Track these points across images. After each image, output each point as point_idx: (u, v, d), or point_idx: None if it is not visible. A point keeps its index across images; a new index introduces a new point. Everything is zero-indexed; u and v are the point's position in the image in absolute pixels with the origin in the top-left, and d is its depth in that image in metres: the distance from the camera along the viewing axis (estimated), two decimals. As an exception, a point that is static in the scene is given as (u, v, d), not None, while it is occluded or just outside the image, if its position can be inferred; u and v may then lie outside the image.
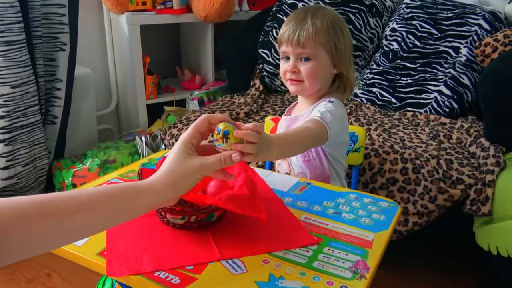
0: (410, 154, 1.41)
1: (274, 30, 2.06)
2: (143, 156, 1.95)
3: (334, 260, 0.73)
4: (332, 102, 1.03)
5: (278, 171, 1.16)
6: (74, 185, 1.88)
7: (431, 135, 1.58)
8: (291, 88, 1.06)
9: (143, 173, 0.84)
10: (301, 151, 1.00)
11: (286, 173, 1.13)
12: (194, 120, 1.70)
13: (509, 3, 1.92)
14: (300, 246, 0.76)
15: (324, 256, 0.74)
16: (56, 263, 1.56)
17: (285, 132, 1.06)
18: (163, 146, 1.91)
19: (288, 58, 1.04)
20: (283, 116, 1.15)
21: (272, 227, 0.81)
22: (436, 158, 1.41)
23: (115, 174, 1.05)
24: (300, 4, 2.08)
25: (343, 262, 0.72)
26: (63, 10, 1.81)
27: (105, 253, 0.73)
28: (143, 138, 1.98)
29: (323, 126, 0.94)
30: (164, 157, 0.92)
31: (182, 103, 2.32)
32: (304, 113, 1.08)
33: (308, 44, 1.00)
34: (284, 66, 1.06)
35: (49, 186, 1.93)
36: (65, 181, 1.88)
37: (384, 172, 1.40)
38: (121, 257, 0.72)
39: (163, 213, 0.79)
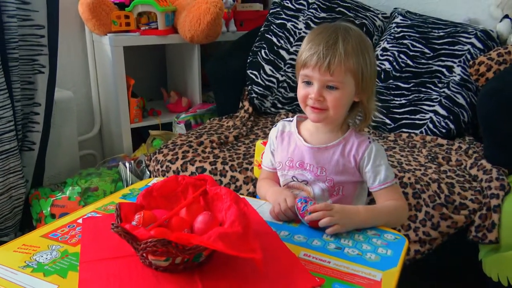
0: (409, 178, 1.33)
1: (262, 51, 2.00)
2: (127, 184, 1.85)
3: (340, 306, 0.64)
4: (374, 145, 0.98)
5: None
6: (53, 216, 1.76)
7: (429, 157, 1.51)
8: (313, 116, 0.96)
9: (121, 209, 0.74)
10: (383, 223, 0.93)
11: None
12: (181, 144, 1.62)
13: (500, 21, 1.89)
14: (301, 290, 0.67)
15: (328, 302, 0.65)
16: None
17: (375, 206, 0.99)
18: (148, 173, 1.81)
19: (310, 83, 0.94)
20: (303, 144, 1.01)
21: (268, 267, 0.72)
22: (436, 182, 1.34)
23: (92, 207, 0.95)
24: (289, 25, 2.04)
25: (350, 309, 0.63)
26: (43, 31, 1.72)
27: (76, 304, 0.63)
28: (127, 164, 1.88)
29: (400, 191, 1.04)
30: (146, 189, 0.83)
31: (168, 126, 2.23)
32: (335, 144, 0.99)
33: (338, 71, 0.90)
34: (304, 90, 0.95)
35: (26, 217, 1.81)
36: (43, 211, 1.76)
37: (383, 198, 1.32)
38: (94, 309, 0.62)
39: (144, 255, 0.70)
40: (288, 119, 1.09)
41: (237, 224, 0.70)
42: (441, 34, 1.87)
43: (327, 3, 2.05)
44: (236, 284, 0.69)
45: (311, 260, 0.76)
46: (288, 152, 1.03)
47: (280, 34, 2.02)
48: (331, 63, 0.90)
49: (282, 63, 1.98)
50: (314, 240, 0.83)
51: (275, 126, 1.09)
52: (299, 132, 1.04)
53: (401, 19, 2.00)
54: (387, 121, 1.78)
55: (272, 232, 0.85)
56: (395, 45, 1.92)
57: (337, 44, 0.91)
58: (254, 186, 1.40)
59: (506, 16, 1.89)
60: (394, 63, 1.88)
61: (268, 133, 1.80)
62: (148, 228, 0.70)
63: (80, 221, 0.88)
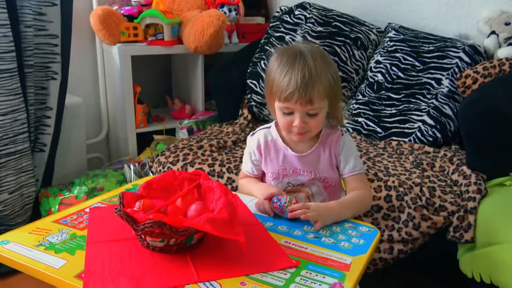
0: (393, 182, 1.43)
1: (262, 62, 2.12)
2: (131, 184, 1.95)
3: (311, 282, 0.73)
4: (346, 136, 1.10)
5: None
6: (60, 213, 1.86)
7: (414, 163, 1.61)
8: (297, 138, 1.05)
9: (124, 197, 0.84)
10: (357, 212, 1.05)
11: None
12: (182, 148, 1.73)
13: (487, 37, 1.99)
14: (278, 269, 0.77)
15: (301, 279, 0.74)
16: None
17: (344, 199, 1.08)
18: (151, 174, 1.91)
19: (291, 113, 1.01)
20: (291, 153, 1.10)
21: (251, 250, 0.81)
22: (419, 185, 1.43)
23: (98, 199, 1.05)
24: (287, 37, 2.15)
25: (320, 285, 0.73)
26: (56, 41, 1.85)
27: (83, 275, 0.73)
28: (132, 166, 1.98)
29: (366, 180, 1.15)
30: (146, 181, 0.93)
31: (172, 132, 2.34)
32: (317, 147, 1.09)
33: (317, 101, 0.99)
34: (287, 119, 1.02)
35: (36, 214, 1.92)
36: (52, 209, 1.87)
37: (368, 200, 1.41)
38: (98, 280, 0.72)
39: (143, 236, 0.80)
40: (265, 126, 1.15)
41: (224, 211, 0.80)
42: (431, 48, 1.97)
43: (324, 18, 2.16)
44: (223, 264, 0.79)
45: (291, 246, 0.86)
46: (279, 162, 1.11)
47: (279, 46, 2.13)
48: (312, 97, 0.98)
49: (280, 73, 2.08)
50: (296, 230, 0.93)
51: (253, 135, 1.15)
52: (283, 140, 1.11)
53: (394, 34, 2.11)
54: (378, 129, 1.88)
55: (259, 222, 0.95)
56: (387, 58, 2.03)
57: (312, 78, 0.97)
58: (249, 187, 1.50)
59: (493, 32, 1.99)
60: (386, 75, 1.98)
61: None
62: (147, 213, 0.81)
63: (87, 210, 0.98)
